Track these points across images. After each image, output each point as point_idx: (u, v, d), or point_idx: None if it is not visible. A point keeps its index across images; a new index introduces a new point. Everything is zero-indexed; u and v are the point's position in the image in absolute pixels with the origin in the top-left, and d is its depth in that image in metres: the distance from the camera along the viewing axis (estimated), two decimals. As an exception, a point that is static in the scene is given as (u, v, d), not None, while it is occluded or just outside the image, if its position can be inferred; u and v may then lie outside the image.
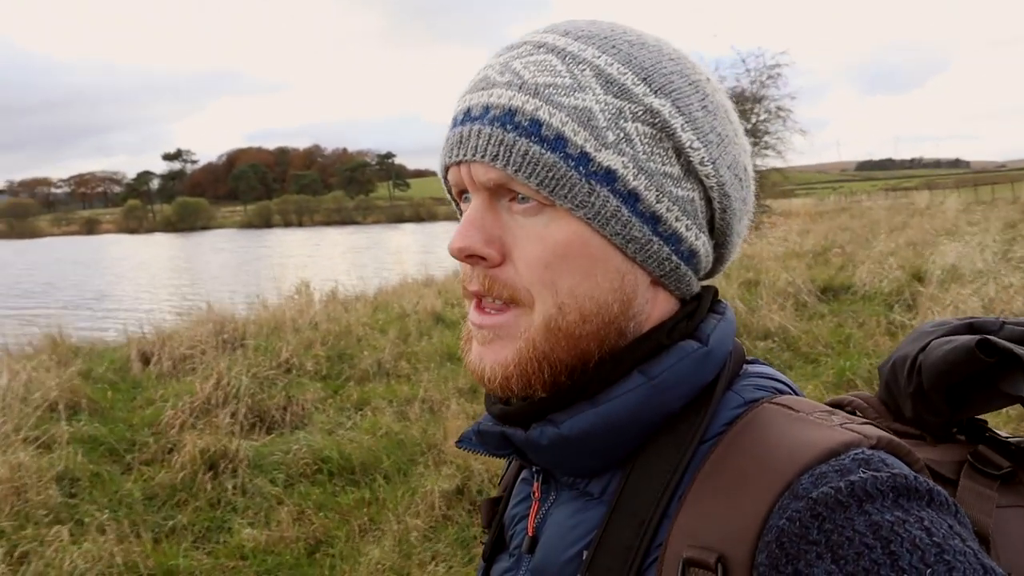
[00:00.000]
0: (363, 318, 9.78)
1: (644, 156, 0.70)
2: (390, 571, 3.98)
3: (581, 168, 0.69)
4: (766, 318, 8.13)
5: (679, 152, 0.72)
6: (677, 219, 0.73)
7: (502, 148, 0.69)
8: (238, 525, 4.50)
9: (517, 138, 0.69)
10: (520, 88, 0.70)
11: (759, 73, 24.56)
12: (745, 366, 0.79)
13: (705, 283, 0.82)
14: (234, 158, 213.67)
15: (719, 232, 0.78)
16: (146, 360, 8.09)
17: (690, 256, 0.76)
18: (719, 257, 0.81)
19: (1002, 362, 0.84)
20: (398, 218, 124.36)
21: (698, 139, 0.72)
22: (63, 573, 3.82)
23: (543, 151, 0.68)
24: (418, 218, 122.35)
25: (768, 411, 0.71)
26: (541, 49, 0.73)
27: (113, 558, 3.95)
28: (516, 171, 0.69)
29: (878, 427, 0.70)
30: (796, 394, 0.77)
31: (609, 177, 0.69)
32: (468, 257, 0.73)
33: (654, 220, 0.72)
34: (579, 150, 0.68)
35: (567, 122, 0.69)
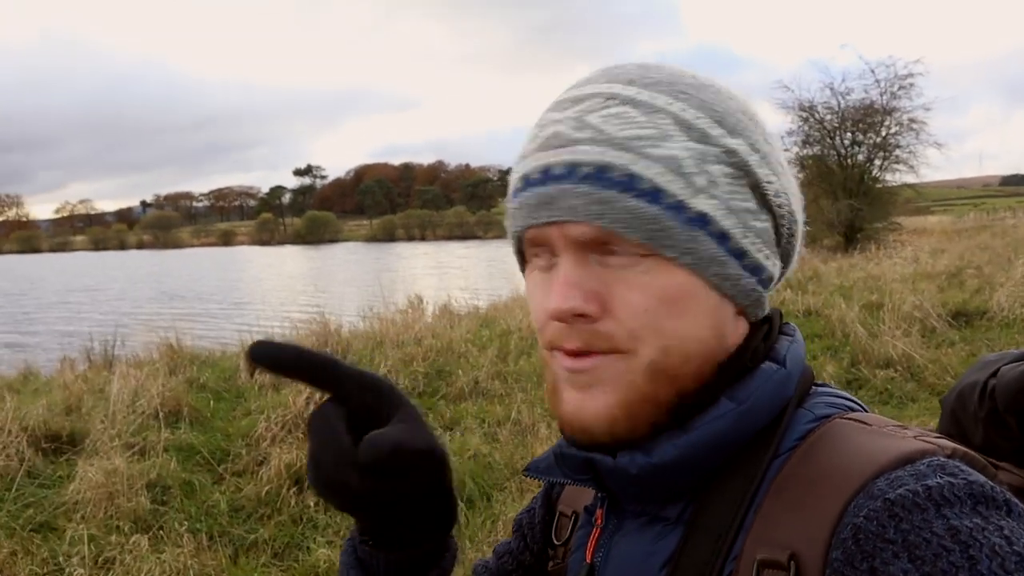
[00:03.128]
0: (467, 334, 9.72)
1: (728, 196, 0.73)
2: (462, 602, 3.81)
3: (680, 216, 0.70)
4: (888, 344, 7.56)
5: (755, 187, 0.75)
6: (759, 250, 0.75)
7: (604, 206, 0.69)
8: (316, 544, 4.44)
9: (617, 195, 0.69)
10: (608, 143, 0.70)
11: (889, 84, 23.47)
12: (815, 387, 0.80)
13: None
14: (361, 173, 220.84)
15: (784, 254, 0.80)
16: (252, 370, 8.24)
17: (767, 282, 0.78)
18: (781, 275, 0.82)
19: None
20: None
21: (771, 172, 0.76)
22: (139, 583, 3.84)
23: (643, 204, 0.69)
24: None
25: (841, 425, 0.72)
26: (614, 101, 0.72)
27: (188, 570, 3.95)
28: (623, 228, 0.69)
29: (953, 441, 0.70)
30: (867, 412, 0.77)
31: (703, 221, 0.71)
32: (574, 317, 0.72)
33: (741, 255, 0.74)
34: (675, 199, 0.70)
35: (661, 172, 0.70)
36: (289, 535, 4.60)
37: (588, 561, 0.81)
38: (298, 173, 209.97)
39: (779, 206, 0.76)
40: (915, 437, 0.68)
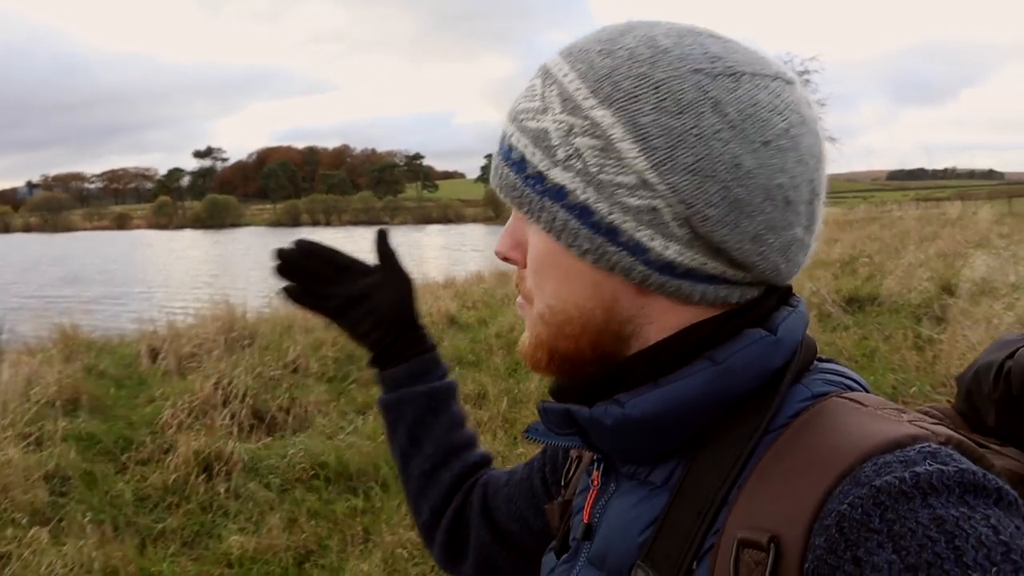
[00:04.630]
0: (376, 319, 9.61)
1: (595, 169, 0.71)
2: (379, 586, 3.80)
3: (537, 186, 0.74)
4: (787, 328, 7.85)
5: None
6: (637, 229, 0.71)
7: (497, 172, 0.79)
8: (227, 531, 4.35)
9: (501, 163, 0.78)
10: (510, 115, 0.78)
11: (789, 79, 24.29)
12: (816, 362, 0.78)
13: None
14: (264, 156, 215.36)
15: (706, 239, 0.71)
16: (155, 356, 7.99)
17: (665, 267, 0.72)
18: (748, 264, 0.72)
19: None
20: (426, 219, 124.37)
21: (639, 146, 0.69)
22: (40, 577, 3.68)
23: (511, 173, 0.76)
24: (446, 219, 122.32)
25: (835, 404, 0.70)
26: (539, 72, 0.78)
27: (92, 563, 3.81)
28: (500, 192, 0.78)
29: (951, 429, 0.68)
30: (868, 392, 0.76)
31: (560, 193, 0.73)
32: (504, 259, 0.84)
33: (611, 231, 0.72)
34: (535, 170, 0.74)
35: (527, 145, 0.74)
36: (199, 523, 4.49)
37: (586, 522, 0.83)
38: (198, 155, 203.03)
39: (654, 183, 0.70)
40: (910, 421, 0.67)
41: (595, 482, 0.84)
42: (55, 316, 9.82)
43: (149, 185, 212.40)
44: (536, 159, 0.73)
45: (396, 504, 4.59)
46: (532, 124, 0.74)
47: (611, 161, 0.70)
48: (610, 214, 0.71)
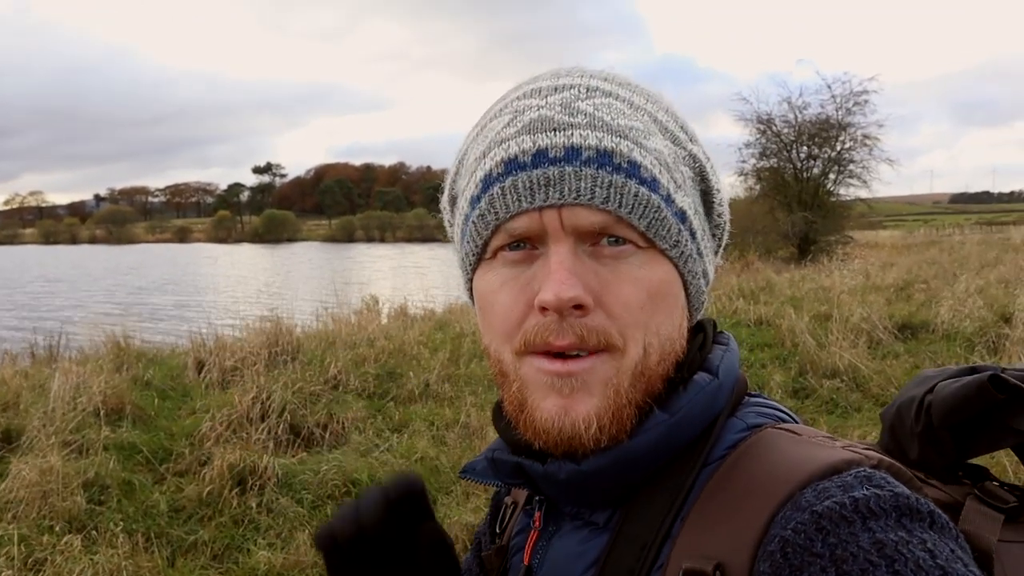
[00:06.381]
0: (420, 337, 9.67)
1: (693, 198, 0.75)
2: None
3: (672, 209, 0.71)
4: (835, 355, 7.67)
5: (706, 193, 0.78)
6: (707, 255, 0.78)
7: (612, 190, 0.68)
8: (256, 546, 4.37)
9: (625, 180, 0.68)
10: (606, 130, 0.69)
11: (845, 99, 23.93)
12: (747, 396, 0.80)
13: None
14: (322, 173, 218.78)
15: (720, 248, 0.83)
16: (200, 368, 8.12)
17: (707, 282, 0.80)
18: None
19: (1011, 399, 0.84)
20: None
21: (716, 182, 0.78)
22: (71, 585, 3.73)
23: (648, 192, 0.69)
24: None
25: (771, 434, 0.72)
26: (597, 92, 0.72)
27: (122, 572, 3.86)
28: (629, 213, 0.68)
29: (880, 452, 0.70)
30: (798, 423, 0.78)
31: (683, 216, 0.72)
32: (572, 308, 0.67)
33: (701, 256, 0.76)
34: (667, 192, 0.70)
35: (655, 164, 0.70)
36: (229, 537, 4.52)
37: (526, 563, 0.81)
38: (257, 171, 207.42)
39: (719, 215, 0.80)
40: (843, 447, 0.69)
41: (536, 523, 0.83)
42: (110, 326, 10.03)
43: (210, 199, 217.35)
44: (665, 180, 0.71)
45: (425, 524, 4.56)
46: (650, 143, 0.71)
47: (696, 192, 0.77)
48: (703, 238, 0.77)
